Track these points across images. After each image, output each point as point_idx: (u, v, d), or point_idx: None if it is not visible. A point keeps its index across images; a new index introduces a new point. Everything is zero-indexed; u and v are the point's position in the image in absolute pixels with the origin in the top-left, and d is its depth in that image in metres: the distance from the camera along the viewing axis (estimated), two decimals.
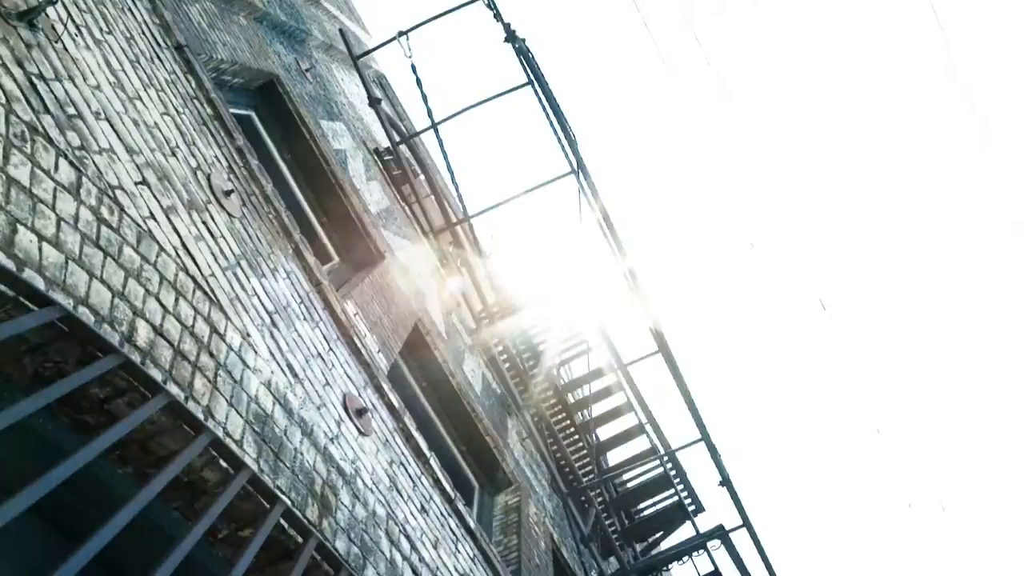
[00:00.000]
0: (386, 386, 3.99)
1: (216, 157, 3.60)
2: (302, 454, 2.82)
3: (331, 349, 3.67)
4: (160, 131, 3.13)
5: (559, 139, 6.49)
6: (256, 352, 2.91)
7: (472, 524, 4.11)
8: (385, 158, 8.42)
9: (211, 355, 2.58)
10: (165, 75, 3.52)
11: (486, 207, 7.00)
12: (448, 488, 4.10)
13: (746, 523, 6.51)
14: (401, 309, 5.77)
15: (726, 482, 6.40)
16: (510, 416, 7.72)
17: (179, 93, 3.58)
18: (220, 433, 2.34)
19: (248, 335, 2.91)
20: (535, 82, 6.14)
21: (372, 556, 2.92)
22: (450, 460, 5.96)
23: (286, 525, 2.23)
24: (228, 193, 3.43)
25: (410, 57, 5.08)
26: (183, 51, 3.84)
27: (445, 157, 5.40)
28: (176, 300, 2.54)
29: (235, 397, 2.58)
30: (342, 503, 2.92)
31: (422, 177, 8.58)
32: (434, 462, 4.09)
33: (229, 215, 3.37)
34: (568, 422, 8.74)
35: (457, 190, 7.34)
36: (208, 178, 3.35)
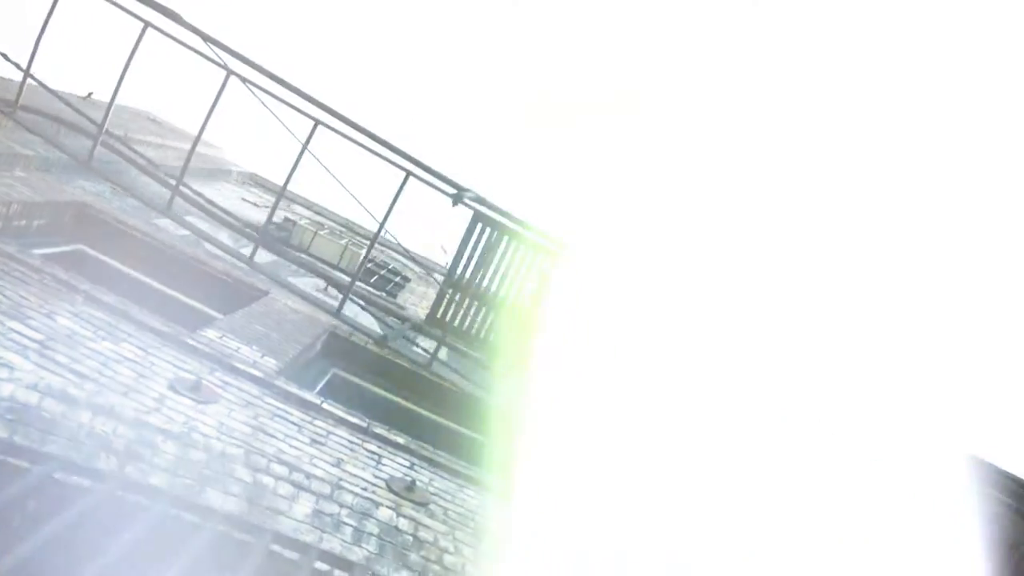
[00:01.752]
0: (242, 367, 3.87)
1: None
2: (92, 427, 2.67)
3: (149, 353, 3.55)
4: None
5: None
6: (12, 368, 2.79)
7: (401, 441, 3.91)
8: (267, 230, 8.41)
9: None
10: None
11: None
12: (359, 422, 3.92)
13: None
14: (296, 326, 5.67)
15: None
16: None
17: None
18: None
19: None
20: None
21: (216, 482, 2.74)
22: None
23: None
24: None
25: None
26: None
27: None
28: None
29: None
30: (165, 452, 2.75)
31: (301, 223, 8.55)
32: (330, 406, 3.92)
33: None
34: None
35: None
36: None
